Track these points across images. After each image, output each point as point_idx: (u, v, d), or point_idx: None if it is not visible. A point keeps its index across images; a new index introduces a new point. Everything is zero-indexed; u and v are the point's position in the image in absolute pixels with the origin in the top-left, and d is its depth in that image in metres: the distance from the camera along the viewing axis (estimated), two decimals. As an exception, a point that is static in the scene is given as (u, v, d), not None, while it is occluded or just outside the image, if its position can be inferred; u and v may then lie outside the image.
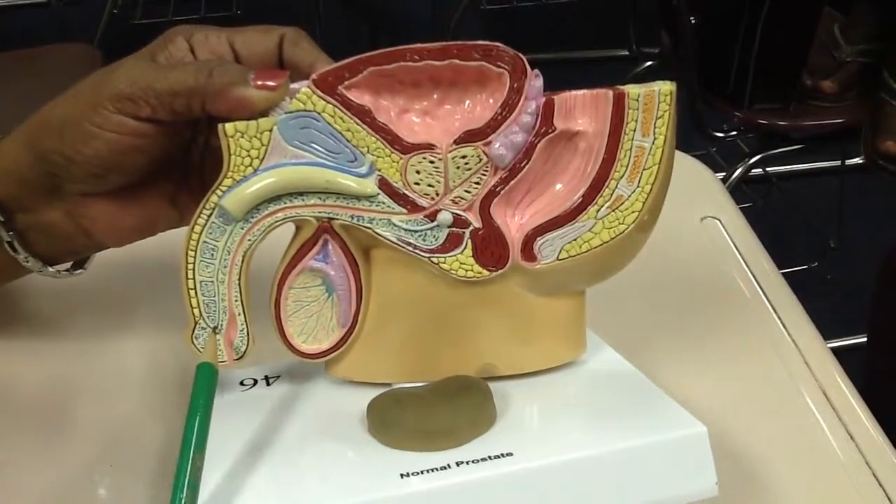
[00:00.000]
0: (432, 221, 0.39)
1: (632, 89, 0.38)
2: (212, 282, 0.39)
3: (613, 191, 0.39)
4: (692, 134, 1.51)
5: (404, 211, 0.39)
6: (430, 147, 0.38)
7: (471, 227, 0.39)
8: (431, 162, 0.38)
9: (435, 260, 0.40)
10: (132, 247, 0.45)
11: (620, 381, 0.42)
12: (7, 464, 0.45)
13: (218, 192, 0.38)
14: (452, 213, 0.39)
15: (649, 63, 1.96)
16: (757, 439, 0.45)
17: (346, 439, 0.38)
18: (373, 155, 0.38)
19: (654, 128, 0.38)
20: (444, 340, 0.41)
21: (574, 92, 0.38)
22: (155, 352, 0.51)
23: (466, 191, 0.39)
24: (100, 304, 0.55)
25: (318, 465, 0.36)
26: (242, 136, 0.38)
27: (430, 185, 0.39)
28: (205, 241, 0.39)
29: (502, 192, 0.39)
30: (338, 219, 0.39)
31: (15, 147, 0.42)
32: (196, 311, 0.40)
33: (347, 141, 0.38)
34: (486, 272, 0.40)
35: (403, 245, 0.39)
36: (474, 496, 0.35)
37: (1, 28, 2.61)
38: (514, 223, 0.40)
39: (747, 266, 0.58)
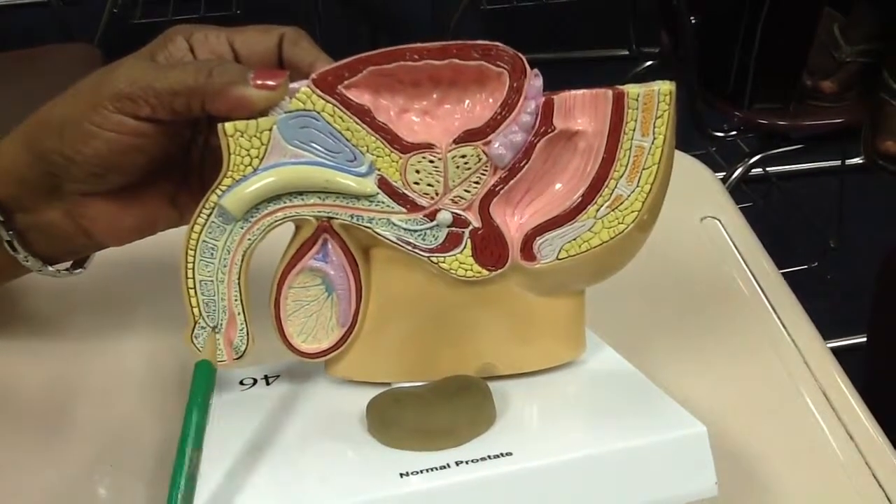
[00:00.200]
0: (432, 221, 0.39)
1: (631, 89, 0.38)
2: (211, 281, 0.39)
3: (613, 190, 0.39)
4: (692, 134, 1.51)
5: (404, 210, 0.39)
6: (429, 146, 0.38)
7: (470, 227, 0.39)
8: (431, 161, 0.38)
9: (434, 259, 0.40)
10: (132, 246, 0.45)
11: (620, 380, 0.42)
12: (7, 464, 0.45)
13: (217, 191, 0.38)
14: (452, 212, 0.39)
15: (649, 63, 1.96)
16: (756, 439, 0.45)
17: (346, 439, 0.38)
18: (372, 154, 0.38)
19: (654, 127, 0.38)
20: (444, 340, 0.41)
21: (573, 91, 0.38)
22: (155, 351, 0.51)
23: (466, 190, 0.39)
24: (99, 303, 0.55)
25: (317, 464, 0.36)
26: (242, 136, 0.38)
27: (429, 185, 0.39)
28: (204, 241, 0.39)
29: (502, 192, 0.39)
30: (337, 218, 0.39)
31: (14, 147, 0.42)
32: (196, 310, 0.40)
33: (347, 140, 0.38)
34: (485, 272, 0.40)
35: (403, 244, 0.39)
36: (474, 496, 0.35)
37: (1, 28, 2.61)
38: (513, 223, 0.40)
39: (747, 266, 0.58)
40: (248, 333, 0.40)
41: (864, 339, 1.00)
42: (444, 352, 0.42)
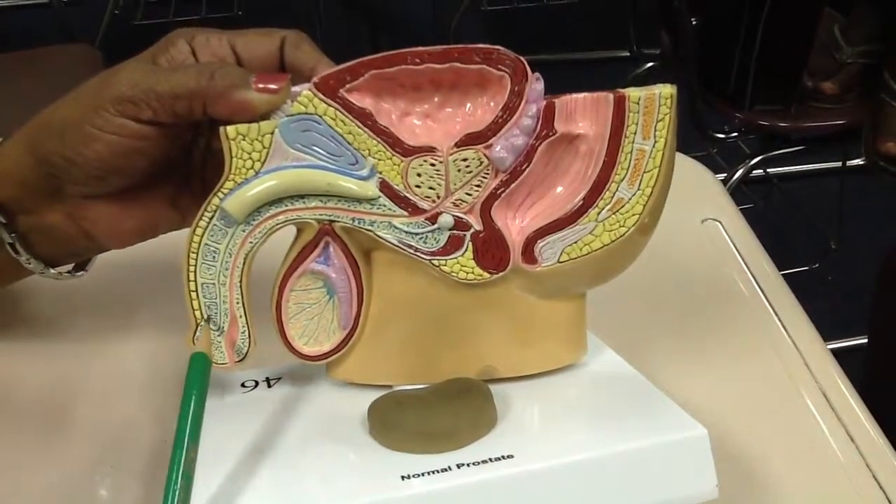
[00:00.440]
0: (433, 224, 0.39)
1: (632, 92, 0.38)
2: (213, 284, 0.40)
3: (614, 194, 0.39)
4: (693, 135, 1.51)
5: (405, 213, 0.39)
6: (431, 150, 0.38)
7: (472, 230, 0.39)
8: (432, 165, 0.38)
9: (436, 262, 0.40)
10: (133, 249, 0.45)
11: (621, 383, 0.42)
12: (8, 464, 0.45)
13: (219, 194, 0.38)
14: (453, 215, 0.39)
15: (650, 64, 1.96)
16: (757, 441, 0.45)
17: (347, 441, 0.38)
18: (374, 158, 0.38)
19: (655, 131, 0.39)
20: (445, 343, 0.42)
21: (575, 95, 0.39)
22: (156, 353, 0.51)
23: (467, 193, 0.39)
24: (101, 305, 0.55)
25: (318, 466, 0.37)
26: (244, 139, 0.38)
27: (431, 188, 0.39)
28: (206, 244, 0.39)
29: (503, 195, 0.39)
30: (339, 221, 0.39)
31: (16, 149, 0.42)
32: (198, 313, 0.40)
33: (349, 144, 0.38)
34: (486, 274, 0.40)
35: (404, 247, 0.39)
36: (475, 498, 0.35)
37: (1, 29, 2.61)
38: (514, 226, 0.40)
39: (748, 268, 0.58)
40: (249, 336, 0.41)
41: (865, 340, 1.00)
42: (446, 354, 0.42)
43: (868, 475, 0.44)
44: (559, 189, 0.40)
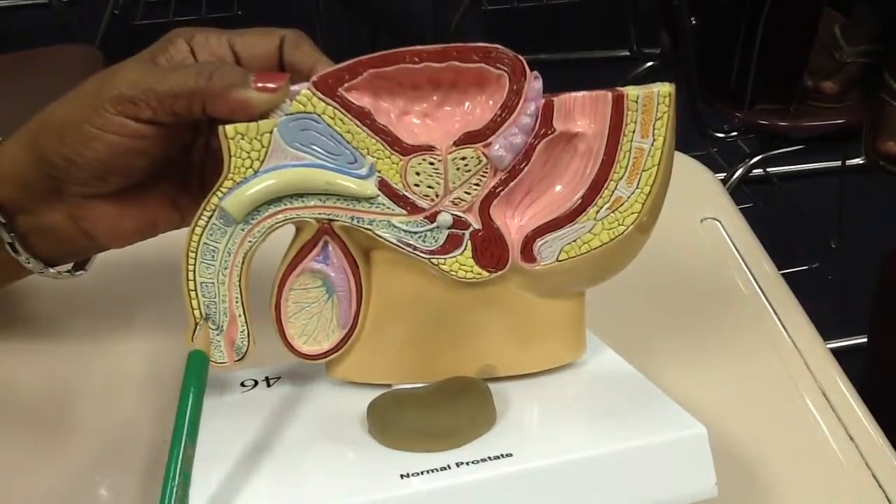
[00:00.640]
0: (432, 223, 0.39)
1: (631, 91, 0.38)
2: (212, 283, 0.40)
3: (613, 192, 0.39)
4: (692, 134, 1.50)
5: (404, 212, 0.39)
6: (429, 149, 0.38)
7: (470, 229, 0.39)
8: (431, 163, 0.38)
9: (435, 261, 0.40)
10: (133, 248, 0.45)
11: (620, 382, 0.42)
12: (8, 464, 0.45)
13: (218, 193, 0.38)
14: (452, 214, 0.39)
15: (650, 63, 1.96)
16: (756, 440, 0.45)
17: (347, 440, 0.38)
18: (373, 157, 0.38)
19: (654, 129, 0.39)
20: (444, 341, 0.42)
21: (573, 94, 0.39)
22: (155, 353, 0.51)
23: (466, 192, 0.39)
24: (101, 305, 0.55)
25: (318, 465, 0.37)
26: (243, 138, 0.38)
27: (429, 187, 0.39)
28: (205, 243, 0.39)
29: (502, 194, 0.39)
30: (338, 220, 0.39)
31: (15, 149, 0.42)
32: (197, 312, 0.40)
33: (347, 143, 0.38)
34: (485, 273, 0.40)
35: (403, 246, 0.40)
36: (474, 497, 0.35)
37: (1, 28, 2.61)
38: (513, 224, 0.40)
39: (747, 267, 0.58)
40: (248, 335, 0.41)
41: (865, 340, 1.00)
42: (445, 353, 0.42)
43: (868, 474, 0.44)
44: (558, 188, 0.40)
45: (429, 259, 0.40)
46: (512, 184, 0.39)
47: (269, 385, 0.43)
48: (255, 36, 0.42)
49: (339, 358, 0.42)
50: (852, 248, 1.73)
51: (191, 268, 0.39)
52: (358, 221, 0.39)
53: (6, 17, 2.69)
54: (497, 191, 0.39)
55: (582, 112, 0.39)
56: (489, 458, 0.36)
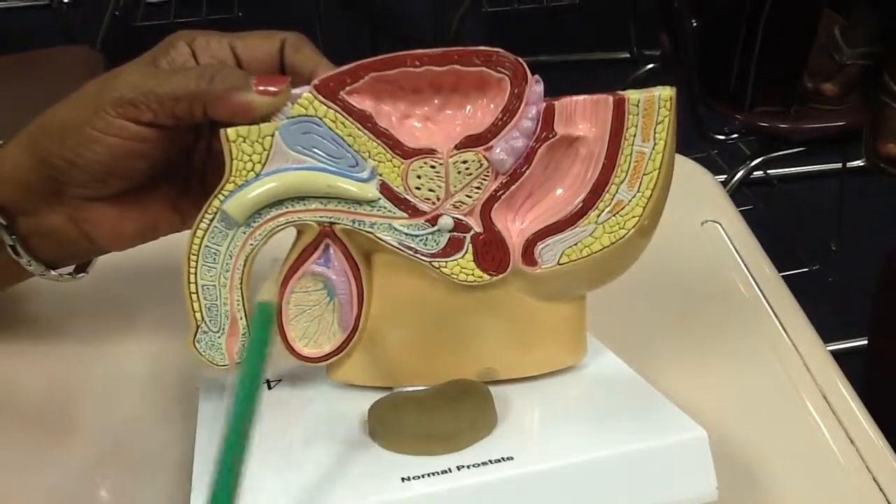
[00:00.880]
0: (433, 226, 0.39)
1: (632, 95, 0.38)
2: (214, 286, 0.40)
3: (614, 196, 0.39)
4: (693, 137, 1.51)
5: (405, 215, 0.39)
6: (431, 152, 0.38)
7: (472, 232, 0.40)
8: (432, 167, 0.39)
9: (436, 264, 0.40)
10: (134, 251, 0.45)
11: (621, 385, 0.42)
12: (9, 466, 0.45)
13: (220, 196, 0.38)
14: (453, 217, 0.39)
15: (650, 66, 1.96)
16: (757, 443, 0.45)
17: (347, 443, 0.38)
18: (374, 160, 0.38)
19: (655, 133, 0.39)
20: (445, 344, 0.42)
21: (574, 97, 0.39)
22: (157, 355, 0.51)
23: (467, 195, 0.39)
24: (102, 307, 0.55)
25: (319, 468, 0.37)
26: (244, 141, 0.38)
27: (431, 190, 0.39)
28: (207, 246, 0.39)
29: (503, 197, 0.39)
30: (339, 223, 0.39)
31: (17, 151, 0.42)
32: (198, 314, 0.40)
33: (349, 146, 0.38)
34: (486, 276, 0.40)
35: (404, 249, 0.40)
36: (475, 500, 0.35)
37: (2, 30, 2.61)
38: (514, 228, 0.40)
39: (748, 269, 0.58)
40: (250, 338, 0.41)
41: (865, 342, 1.00)
42: (446, 356, 0.42)
43: (868, 477, 0.44)
44: (559, 191, 0.40)
45: (430, 262, 0.40)
46: (513, 187, 0.39)
47: (269, 387, 0.43)
48: (256, 39, 0.42)
49: (339, 361, 0.42)
50: (852, 250, 1.73)
51: (192, 270, 0.39)
52: (359, 224, 0.39)
53: (7, 19, 2.69)
54: (498, 194, 0.39)
55: (583, 116, 0.39)
56: (490, 461, 0.36)
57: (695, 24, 1.42)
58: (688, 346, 0.52)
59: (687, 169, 0.68)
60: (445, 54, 0.38)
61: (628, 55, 2.33)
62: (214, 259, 0.39)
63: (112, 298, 0.55)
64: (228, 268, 0.39)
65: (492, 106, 0.39)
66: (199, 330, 0.40)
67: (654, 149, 0.39)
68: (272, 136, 0.38)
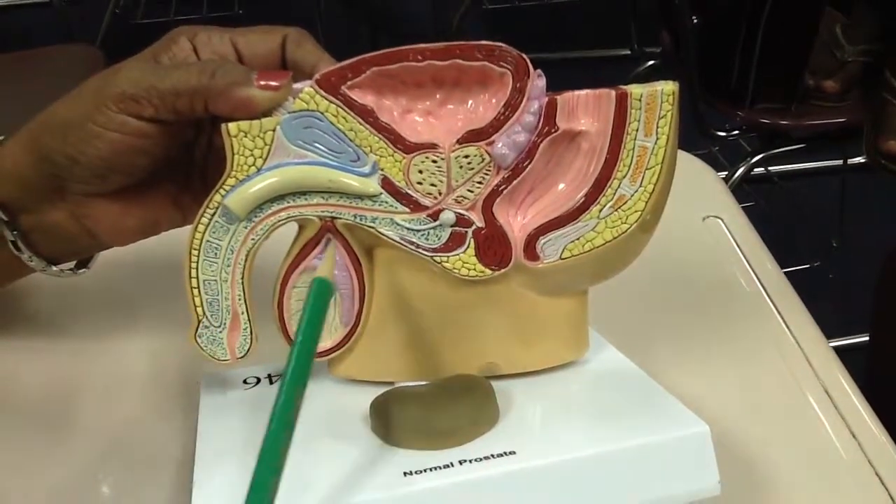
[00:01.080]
0: (435, 221, 0.39)
1: (634, 89, 0.38)
2: (215, 281, 0.40)
3: (616, 190, 0.39)
4: (694, 133, 1.51)
5: (407, 210, 0.39)
6: (432, 147, 0.38)
7: (473, 227, 0.39)
8: (434, 161, 0.38)
9: (437, 259, 0.40)
10: (135, 246, 0.45)
11: (623, 380, 0.42)
12: (10, 463, 0.45)
13: (221, 191, 0.38)
14: (455, 212, 0.39)
15: (651, 63, 1.96)
16: (759, 438, 0.45)
17: (349, 438, 0.38)
18: (376, 154, 0.38)
19: (657, 127, 0.39)
20: (447, 339, 0.42)
21: (577, 92, 0.39)
22: (158, 351, 0.51)
23: (469, 190, 0.39)
24: (103, 303, 0.55)
25: (321, 464, 0.37)
26: (245, 136, 0.38)
27: (432, 185, 0.39)
28: (208, 241, 0.39)
29: (505, 192, 0.39)
30: (341, 218, 0.39)
31: (18, 148, 0.42)
32: (199, 309, 0.40)
33: (350, 141, 0.38)
34: (488, 271, 0.40)
35: (406, 244, 0.39)
36: (477, 495, 0.35)
37: (2, 28, 2.61)
38: (516, 222, 0.40)
39: (749, 265, 0.58)
40: (251, 333, 0.41)
41: (867, 339, 1.00)
42: (447, 351, 0.42)
43: (870, 472, 0.44)
44: (561, 186, 0.40)
45: (431, 257, 0.40)
46: (515, 182, 0.39)
47: (271, 382, 0.43)
48: (257, 34, 0.42)
49: (341, 356, 0.42)
50: (853, 246, 1.73)
51: (193, 265, 0.39)
52: (361, 219, 0.39)
53: (7, 17, 2.69)
54: (500, 189, 0.39)
55: (585, 110, 0.39)
56: (492, 456, 0.36)
57: (695, 21, 1.42)
58: (690, 341, 0.52)
59: (689, 164, 0.68)
60: (447, 49, 0.38)
61: (629, 52, 2.33)
62: (216, 254, 0.39)
63: (113, 294, 0.55)
64: (230, 263, 0.39)
65: (494, 100, 0.38)
66: (201, 325, 0.40)
67: (656, 143, 0.39)
68: (273, 130, 0.38)
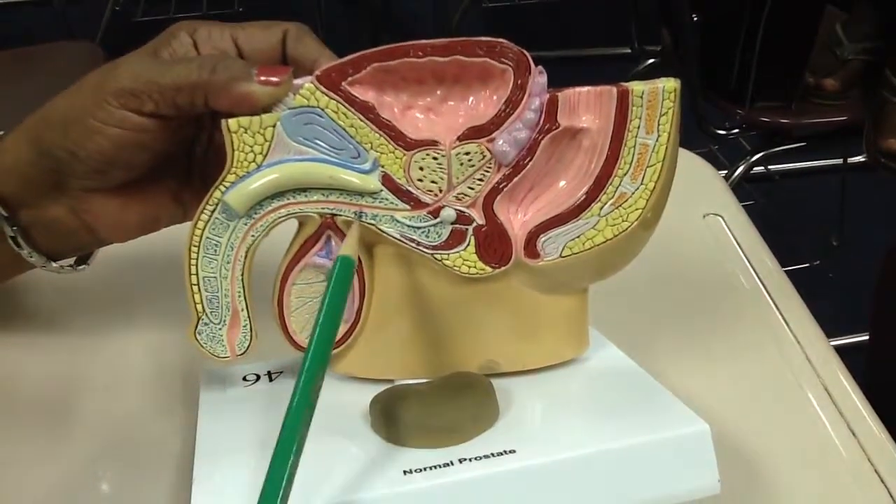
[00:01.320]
0: (435, 218, 0.39)
1: (636, 86, 0.38)
2: (215, 277, 0.39)
3: (617, 188, 0.39)
4: (694, 132, 1.51)
5: (407, 207, 0.39)
6: (433, 143, 0.38)
7: (474, 224, 0.39)
8: (435, 158, 0.38)
9: (438, 256, 0.40)
10: (135, 242, 0.45)
11: (623, 378, 0.42)
12: (10, 459, 0.45)
13: (221, 187, 0.38)
14: (456, 209, 0.39)
15: (651, 61, 1.96)
16: (759, 437, 0.45)
17: (349, 436, 0.38)
18: (376, 151, 0.38)
19: (658, 125, 0.38)
20: (447, 337, 0.41)
21: (578, 89, 0.38)
22: (158, 347, 0.51)
23: (470, 187, 0.39)
24: (103, 299, 0.55)
25: (320, 461, 0.36)
26: (246, 132, 0.38)
27: (433, 182, 0.39)
28: (208, 237, 0.39)
29: (505, 189, 0.39)
30: (341, 215, 0.39)
31: (18, 143, 0.42)
32: (199, 306, 0.40)
33: (351, 137, 0.38)
34: (488, 269, 0.40)
35: (406, 241, 0.39)
36: (477, 493, 0.35)
37: (2, 26, 2.61)
38: (517, 220, 0.40)
39: (750, 263, 0.58)
40: (251, 329, 0.40)
41: (867, 338, 1.00)
42: (448, 349, 0.42)
43: (870, 470, 0.44)
44: (562, 183, 0.40)
45: (432, 254, 0.40)
46: (516, 179, 0.39)
47: (271, 379, 0.43)
48: (257, 29, 0.42)
49: (341, 353, 0.41)
50: (853, 245, 1.73)
51: (193, 262, 0.39)
52: (361, 216, 0.39)
53: (7, 14, 2.69)
54: (501, 186, 0.39)
55: (586, 107, 0.38)
56: (492, 454, 0.36)
57: (695, 20, 1.42)
58: (690, 339, 0.52)
59: (689, 162, 0.68)
60: (448, 45, 0.37)
61: (629, 50, 2.33)
62: (216, 250, 0.39)
63: (113, 290, 0.55)
64: (230, 259, 0.39)
65: (495, 97, 0.38)
66: (200, 322, 0.40)
67: (657, 141, 0.39)
68: (274, 126, 0.38)
